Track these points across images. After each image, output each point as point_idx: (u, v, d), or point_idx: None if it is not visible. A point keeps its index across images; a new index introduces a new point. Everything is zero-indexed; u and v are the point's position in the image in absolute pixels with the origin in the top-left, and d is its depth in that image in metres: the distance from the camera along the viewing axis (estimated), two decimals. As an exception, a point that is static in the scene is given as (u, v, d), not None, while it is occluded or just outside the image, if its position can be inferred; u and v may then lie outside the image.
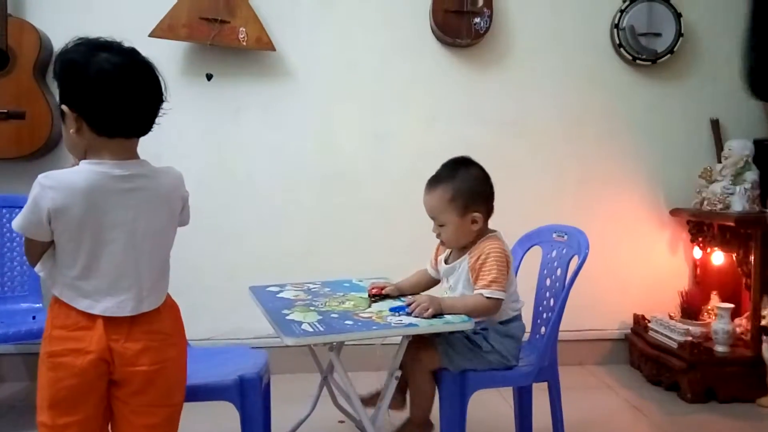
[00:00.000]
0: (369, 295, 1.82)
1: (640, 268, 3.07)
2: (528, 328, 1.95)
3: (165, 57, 2.73)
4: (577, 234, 1.91)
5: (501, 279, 1.68)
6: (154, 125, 1.36)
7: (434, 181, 1.77)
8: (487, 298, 1.67)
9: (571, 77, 3.02)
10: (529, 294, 2.01)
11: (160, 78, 1.35)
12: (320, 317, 1.62)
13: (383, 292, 1.82)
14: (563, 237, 1.96)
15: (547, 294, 1.96)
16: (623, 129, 3.05)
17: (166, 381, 1.37)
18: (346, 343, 1.90)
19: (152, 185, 1.35)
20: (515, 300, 1.81)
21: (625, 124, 3.05)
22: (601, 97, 3.03)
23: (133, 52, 1.33)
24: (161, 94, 1.35)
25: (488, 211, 1.79)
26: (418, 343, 1.69)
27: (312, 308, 1.72)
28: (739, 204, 2.72)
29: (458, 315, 1.63)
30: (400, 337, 1.63)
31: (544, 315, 1.94)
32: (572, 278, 1.84)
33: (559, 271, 1.93)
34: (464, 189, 1.73)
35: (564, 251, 1.94)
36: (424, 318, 1.60)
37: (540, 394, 1.96)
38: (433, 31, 2.92)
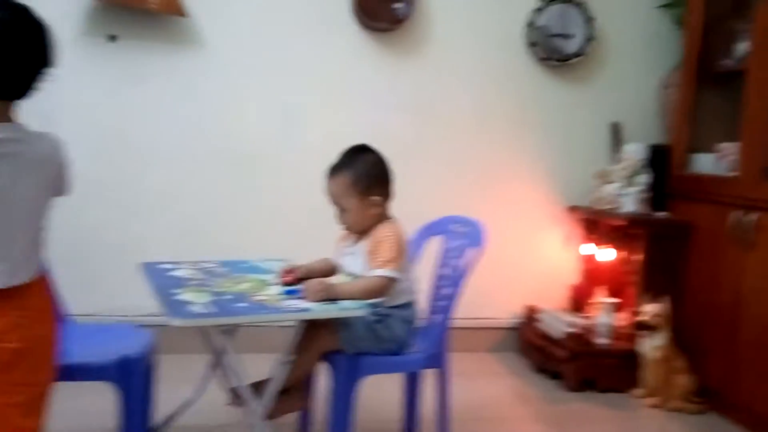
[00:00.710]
0: (283, 283, 1.76)
1: (536, 262, 3.19)
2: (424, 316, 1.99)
3: (66, 15, 2.56)
4: (475, 226, 1.96)
5: (395, 259, 1.73)
6: (34, 90, 1.27)
7: (335, 168, 1.83)
8: (380, 276, 1.71)
9: (485, 70, 3.06)
10: (428, 283, 2.05)
11: (49, 40, 1.26)
12: (213, 298, 1.58)
13: (299, 275, 1.77)
14: (462, 228, 2.00)
15: (444, 283, 1.99)
16: (530, 125, 3.14)
17: (33, 359, 1.29)
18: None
19: (24, 150, 1.26)
20: (411, 286, 1.86)
21: (531, 121, 3.14)
22: (511, 93, 3.10)
23: (23, 10, 1.23)
24: (45, 57, 1.26)
25: (387, 195, 1.85)
26: (318, 324, 1.70)
27: (205, 288, 1.67)
28: (630, 205, 2.87)
29: (354, 300, 1.64)
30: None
31: (439, 303, 1.97)
32: (467, 269, 1.88)
33: (456, 262, 1.96)
34: (364, 173, 1.80)
35: (462, 242, 1.97)
36: (316, 302, 1.60)
37: (432, 380, 1.99)
38: (352, 12, 2.88)
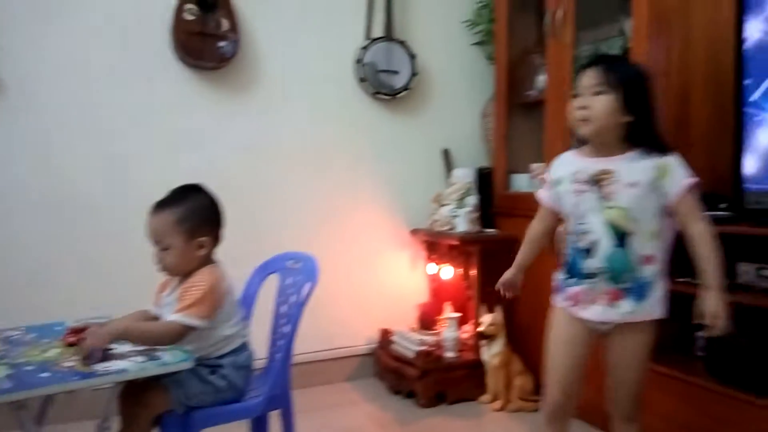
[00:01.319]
0: (66, 344, 1.62)
1: (386, 286, 3.33)
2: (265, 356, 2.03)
3: None
4: (309, 261, 2.00)
5: (201, 306, 1.67)
6: None
7: (161, 204, 1.76)
8: (176, 322, 1.64)
9: (318, 106, 3.17)
10: (268, 323, 2.10)
11: None
12: (10, 371, 1.46)
13: (84, 335, 1.58)
14: (297, 264, 2.07)
15: (283, 321, 2.04)
16: (368, 156, 3.29)
17: None
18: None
19: None
20: (241, 330, 1.85)
21: (369, 152, 3.30)
22: (346, 127, 3.23)
23: None
24: None
25: (215, 239, 1.81)
26: (144, 384, 1.64)
27: (3, 361, 1.53)
28: (462, 225, 3.09)
29: (176, 354, 1.59)
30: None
31: (278, 343, 2.01)
32: (302, 304, 1.91)
33: (294, 298, 2.02)
34: (193, 213, 1.75)
35: (298, 278, 2.03)
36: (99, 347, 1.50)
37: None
38: (175, 53, 2.84)
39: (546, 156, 2.78)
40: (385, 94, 3.25)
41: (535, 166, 2.96)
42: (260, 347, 2.04)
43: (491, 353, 2.84)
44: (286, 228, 3.08)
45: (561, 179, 1.82)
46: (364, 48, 3.20)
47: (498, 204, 3.15)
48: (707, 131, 2.37)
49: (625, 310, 1.74)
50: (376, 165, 3.32)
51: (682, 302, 2.25)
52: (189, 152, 2.91)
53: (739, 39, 2.16)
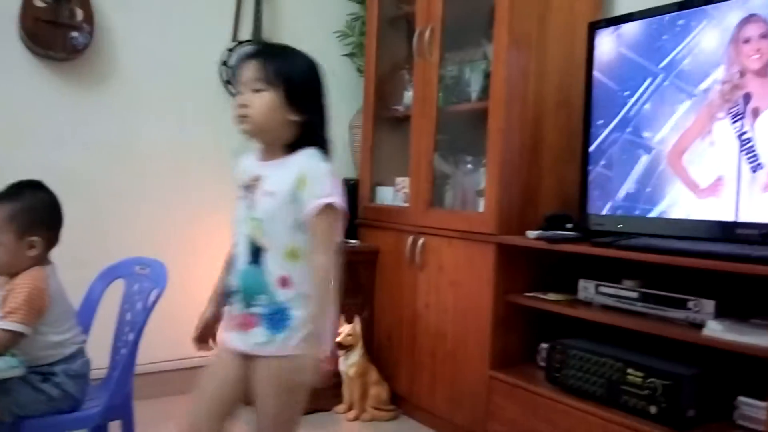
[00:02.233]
0: None
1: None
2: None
3: None
4: (158, 266, 1.94)
5: (23, 311, 1.59)
6: None
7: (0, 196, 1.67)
8: (2, 329, 1.56)
9: (179, 107, 3.04)
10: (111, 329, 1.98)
11: None
12: None
13: None
14: (145, 270, 1.98)
15: (127, 329, 1.94)
16: (232, 161, 3.20)
17: None
18: None
19: None
20: (75, 334, 1.76)
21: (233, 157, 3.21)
22: (209, 129, 3.11)
23: None
24: None
25: (50, 240, 1.73)
26: None
27: None
28: (326, 235, 3.09)
29: (5, 360, 1.51)
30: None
31: (121, 351, 1.91)
32: (148, 311, 1.85)
33: (140, 305, 1.93)
34: (27, 211, 1.67)
35: (146, 284, 1.94)
36: None
37: None
38: (22, 40, 2.63)
39: (412, 170, 2.85)
40: (252, 98, 3.18)
41: (400, 179, 3.02)
42: (102, 356, 1.93)
43: (348, 363, 2.84)
44: (137, 232, 2.91)
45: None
46: (231, 50, 3.12)
47: (362, 215, 3.18)
48: (558, 155, 2.53)
49: (256, 340, 1.47)
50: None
51: (525, 314, 2.41)
52: (32, 147, 2.69)
53: (589, 70, 2.33)
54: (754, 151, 1.86)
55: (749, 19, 1.87)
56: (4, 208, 1.66)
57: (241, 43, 3.13)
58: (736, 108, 1.90)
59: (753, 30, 1.86)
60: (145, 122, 2.97)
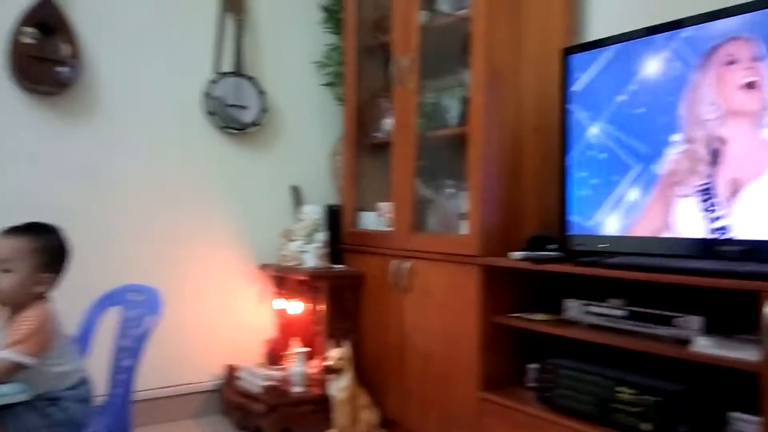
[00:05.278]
0: None
1: (233, 321, 3.27)
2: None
3: None
4: (152, 293, 1.96)
5: (28, 342, 1.64)
6: None
7: (22, 229, 1.75)
8: (7, 359, 1.61)
9: (163, 138, 3.10)
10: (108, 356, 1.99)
11: None
12: None
13: None
14: (140, 297, 2.00)
15: (123, 355, 1.95)
16: (216, 190, 3.25)
17: None
18: None
19: None
20: (79, 364, 1.81)
21: (218, 186, 3.25)
22: (193, 160, 3.18)
23: None
24: None
25: (56, 282, 1.80)
26: None
27: None
28: (311, 261, 3.13)
29: (14, 385, 1.55)
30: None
31: (119, 377, 1.93)
32: (144, 338, 1.87)
33: (135, 332, 1.95)
34: (49, 249, 1.77)
35: (141, 311, 1.96)
36: None
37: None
38: (10, 74, 2.69)
39: (394, 195, 2.92)
40: (234, 129, 3.24)
41: (382, 204, 3.09)
42: (99, 383, 1.94)
43: (338, 387, 2.86)
44: (126, 260, 2.94)
45: None
46: (213, 82, 3.18)
47: (346, 240, 3.23)
48: (538, 177, 2.60)
49: None
50: (224, 199, 3.28)
51: (512, 335, 2.44)
52: (18, 179, 2.73)
53: (564, 95, 2.41)
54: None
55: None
56: (26, 239, 1.73)
57: (223, 74, 3.19)
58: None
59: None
60: (129, 153, 3.01)
